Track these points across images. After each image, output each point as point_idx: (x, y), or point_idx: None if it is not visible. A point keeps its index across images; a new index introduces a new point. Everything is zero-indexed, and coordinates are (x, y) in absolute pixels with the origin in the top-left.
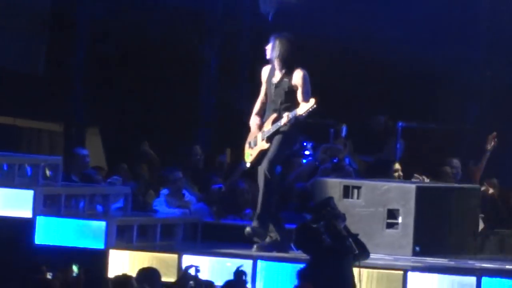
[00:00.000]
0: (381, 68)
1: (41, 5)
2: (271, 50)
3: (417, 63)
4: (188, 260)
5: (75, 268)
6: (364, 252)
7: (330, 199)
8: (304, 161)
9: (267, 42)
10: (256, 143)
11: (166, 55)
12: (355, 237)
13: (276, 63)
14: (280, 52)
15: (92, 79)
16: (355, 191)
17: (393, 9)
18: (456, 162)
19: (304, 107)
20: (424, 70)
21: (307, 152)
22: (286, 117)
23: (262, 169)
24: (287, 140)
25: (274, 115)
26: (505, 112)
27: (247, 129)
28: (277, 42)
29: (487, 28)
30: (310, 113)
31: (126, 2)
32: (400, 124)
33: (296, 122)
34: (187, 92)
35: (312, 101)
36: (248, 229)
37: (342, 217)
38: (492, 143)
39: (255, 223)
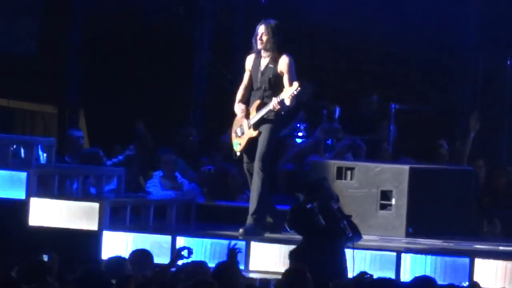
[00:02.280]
0: (375, 50)
1: None
2: (259, 38)
3: (410, 45)
4: (181, 241)
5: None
6: (356, 234)
7: (324, 179)
8: (299, 141)
9: (256, 27)
10: (243, 131)
11: (159, 36)
12: (348, 218)
13: (263, 51)
14: (268, 40)
15: (85, 61)
16: (348, 172)
17: None
18: (444, 143)
19: (288, 91)
20: (417, 51)
21: (300, 134)
22: (274, 101)
23: (256, 166)
24: (275, 130)
25: (258, 102)
26: (497, 94)
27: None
28: (265, 30)
29: (480, 9)
30: (298, 100)
31: None
32: (393, 105)
33: (284, 110)
34: (180, 74)
35: (295, 84)
36: (241, 230)
37: (336, 198)
38: (476, 124)
39: (250, 220)
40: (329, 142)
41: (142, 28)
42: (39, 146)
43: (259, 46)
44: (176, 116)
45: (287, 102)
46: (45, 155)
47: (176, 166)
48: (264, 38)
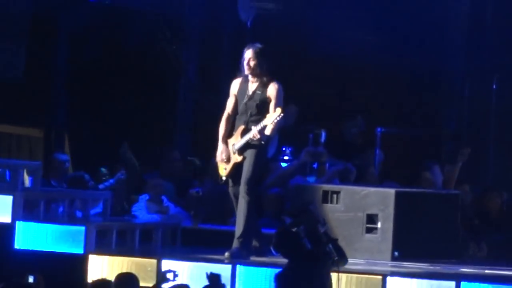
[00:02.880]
0: (361, 74)
1: (21, 11)
2: (247, 64)
3: (396, 69)
4: (167, 265)
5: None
6: (342, 258)
7: (310, 203)
8: (284, 164)
9: (243, 52)
10: (229, 157)
11: (145, 60)
12: (334, 242)
13: (251, 76)
14: (256, 65)
15: (71, 85)
16: (334, 196)
17: (373, 15)
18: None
19: (271, 117)
20: (403, 76)
21: (286, 158)
22: (255, 130)
23: (241, 190)
24: (260, 155)
25: (242, 127)
26: (483, 118)
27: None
28: (252, 55)
29: (466, 34)
30: (282, 127)
31: (106, 9)
32: (379, 129)
33: (263, 139)
34: (166, 98)
35: (278, 110)
36: (227, 254)
37: (322, 222)
38: (465, 156)
39: (236, 244)
40: (315, 165)
41: (128, 52)
42: (25, 170)
43: (247, 72)
44: (162, 140)
45: (268, 130)
46: (31, 178)
47: (162, 190)
48: (252, 63)
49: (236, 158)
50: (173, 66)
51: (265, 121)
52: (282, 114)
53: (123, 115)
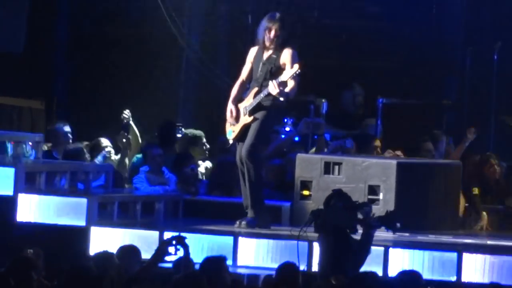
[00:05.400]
0: (362, 44)
1: None
2: (275, 36)
3: (397, 39)
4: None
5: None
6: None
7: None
8: (283, 136)
9: (262, 21)
10: (238, 119)
11: (147, 31)
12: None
13: (269, 43)
14: (279, 36)
15: (72, 57)
16: (336, 167)
17: None
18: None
19: (288, 72)
20: (404, 45)
21: (287, 129)
22: (271, 84)
23: (243, 157)
24: (265, 122)
25: (256, 89)
26: (484, 88)
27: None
28: (278, 26)
29: (467, 3)
30: (298, 90)
31: None
32: (380, 100)
33: (283, 95)
34: (168, 69)
35: (296, 66)
36: (244, 223)
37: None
38: (473, 135)
39: (250, 214)
40: (316, 137)
41: (130, 24)
42: (27, 142)
43: (269, 41)
44: (163, 111)
45: (288, 87)
46: (33, 151)
47: (163, 161)
48: (276, 33)
49: (246, 119)
50: (175, 38)
51: (282, 77)
52: (299, 70)
53: (125, 86)
